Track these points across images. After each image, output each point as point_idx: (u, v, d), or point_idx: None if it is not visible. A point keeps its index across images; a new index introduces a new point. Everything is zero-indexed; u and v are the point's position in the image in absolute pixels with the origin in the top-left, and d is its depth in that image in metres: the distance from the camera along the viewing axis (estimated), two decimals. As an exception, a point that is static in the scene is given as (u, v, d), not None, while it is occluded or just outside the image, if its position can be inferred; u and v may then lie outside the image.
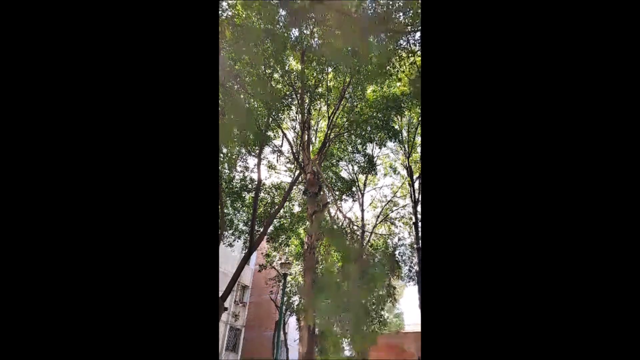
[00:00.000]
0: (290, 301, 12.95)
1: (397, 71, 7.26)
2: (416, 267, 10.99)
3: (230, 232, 9.18)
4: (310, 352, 5.50)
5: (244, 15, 6.43)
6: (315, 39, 7.58)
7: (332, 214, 7.77)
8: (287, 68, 7.69)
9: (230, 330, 14.37)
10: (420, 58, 6.96)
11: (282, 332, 11.49)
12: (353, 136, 9.17)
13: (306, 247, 6.50)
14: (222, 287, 7.38)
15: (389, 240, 12.06)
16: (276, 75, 7.61)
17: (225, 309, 10.63)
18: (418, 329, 15.61)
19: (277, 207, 8.69)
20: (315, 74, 7.84)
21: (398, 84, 8.20)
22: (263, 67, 6.93)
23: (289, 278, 11.57)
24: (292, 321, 15.57)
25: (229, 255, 13.45)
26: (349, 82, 7.72)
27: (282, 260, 8.26)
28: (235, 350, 14.70)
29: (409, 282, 11.83)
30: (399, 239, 12.03)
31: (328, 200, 7.51)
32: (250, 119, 6.73)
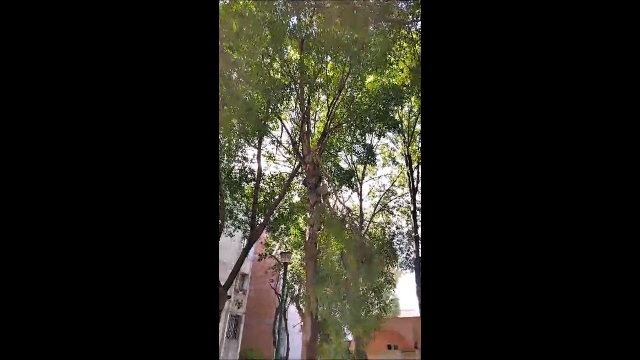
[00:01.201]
0: (291, 290, 13.14)
1: (398, 60, 7.19)
2: (413, 255, 11.18)
3: (230, 222, 9.21)
4: (314, 340, 5.65)
5: (241, 3, 6.28)
6: (314, 27, 7.44)
7: (332, 204, 7.82)
8: (285, 57, 7.56)
9: (230, 317, 14.60)
10: (420, 47, 6.89)
11: (282, 320, 11.70)
12: (352, 126, 9.12)
13: (307, 238, 6.57)
14: (222, 277, 7.46)
15: (386, 229, 12.18)
16: (275, 65, 7.49)
17: (229, 297, 10.74)
18: (414, 314, 16.00)
19: (277, 197, 8.71)
20: (314, 63, 7.73)
21: (400, 73, 8.13)
22: (261, 56, 6.81)
23: (288, 267, 11.71)
24: (291, 308, 15.84)
25: (228, 244, 13.52)
26: (348, 72, 7.63)
27: (282, 250, 8.33)
28: (235, 338, 14.97)
29: (406, 269, 12.03)
30: (397, 228, 12.17)
31: (328, 190, 7.54)
32: (249, 110, 6.65)
